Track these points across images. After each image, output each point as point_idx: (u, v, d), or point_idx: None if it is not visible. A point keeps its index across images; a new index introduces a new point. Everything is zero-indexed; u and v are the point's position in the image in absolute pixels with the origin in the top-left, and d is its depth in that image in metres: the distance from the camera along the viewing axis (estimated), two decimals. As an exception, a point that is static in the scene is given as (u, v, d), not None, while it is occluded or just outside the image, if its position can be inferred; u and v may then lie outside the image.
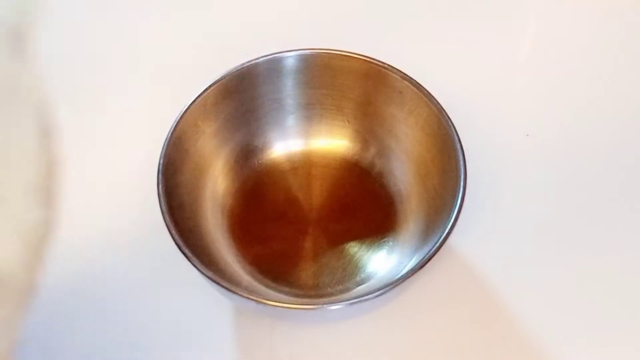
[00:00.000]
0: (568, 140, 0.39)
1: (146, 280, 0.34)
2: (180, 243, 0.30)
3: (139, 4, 0.46)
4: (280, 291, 0.33)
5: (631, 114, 0.40)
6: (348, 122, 0.37)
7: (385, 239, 0.35)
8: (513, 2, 0.46)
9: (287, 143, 0.37)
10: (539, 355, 0.31)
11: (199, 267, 0.29)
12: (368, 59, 0.35)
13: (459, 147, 0.32)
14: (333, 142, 0.37)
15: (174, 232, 0.30)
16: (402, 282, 0.29)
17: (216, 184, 0.35)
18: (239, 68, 0.35)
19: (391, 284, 0.29)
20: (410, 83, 0.34)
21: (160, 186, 0.31)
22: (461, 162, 0.32)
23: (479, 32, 0.44)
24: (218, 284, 0.29)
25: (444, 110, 0.33)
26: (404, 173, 0.36)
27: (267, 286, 0.33)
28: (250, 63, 0.35)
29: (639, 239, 0.35)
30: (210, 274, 0.29)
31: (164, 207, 0.31)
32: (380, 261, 0.34)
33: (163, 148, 0.32)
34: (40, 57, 0.44)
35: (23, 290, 0.20)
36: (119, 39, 0.44)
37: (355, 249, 0.35)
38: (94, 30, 0.45)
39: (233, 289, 0.29)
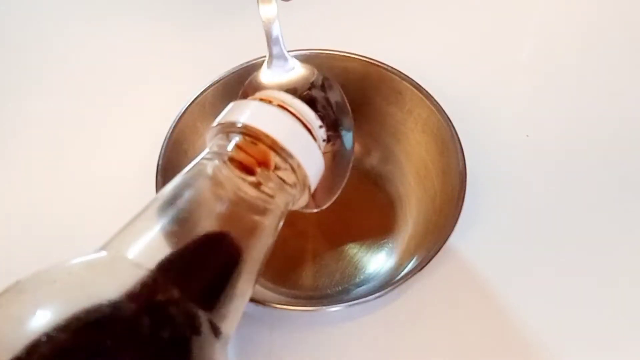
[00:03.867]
0: (568, 140, 0.39)
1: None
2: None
3: (138, 6, 0.46)
4: (279, 292, 0.33)
5: (631, 114, 0.40)
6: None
7: (385, 240, 0.35)
8: (514, 2, 0.46)
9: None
10: (538, 355, 0.31)
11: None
12: (368, 59, 0.35)
13: (459, 147, 0.32)
14: (332, 142, 0.37)
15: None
16: (402, 283, 0.29)
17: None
18: (238, 68, 0.35)
19: (391, 285, 0.29)
20: (410, 83, 0.34)
21: (158, 187, 0.31)
22: (461, 162, 0.32)
23: (479, 33, 0.44)
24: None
25: (444, 110, 0.33)
26: (404, 174, 0.36)
27: (266, 287, 0.33)
28: (250, 63, 0.35)
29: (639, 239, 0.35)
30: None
31: (162, 208, 0.31)
32: (380, 262, 0.34)
33: (162, 149, 0.32)
34: (40, 55, 0.43)
35: None
36: (119, 40, 0.44)
37: (355, 250, 0.34)
38: (93, 31, 0.45)
39: (232, 290, 0.29)
